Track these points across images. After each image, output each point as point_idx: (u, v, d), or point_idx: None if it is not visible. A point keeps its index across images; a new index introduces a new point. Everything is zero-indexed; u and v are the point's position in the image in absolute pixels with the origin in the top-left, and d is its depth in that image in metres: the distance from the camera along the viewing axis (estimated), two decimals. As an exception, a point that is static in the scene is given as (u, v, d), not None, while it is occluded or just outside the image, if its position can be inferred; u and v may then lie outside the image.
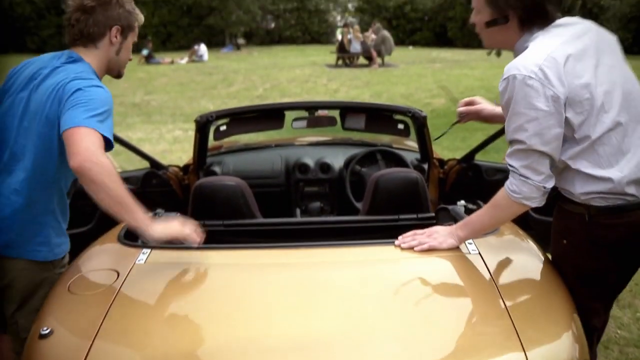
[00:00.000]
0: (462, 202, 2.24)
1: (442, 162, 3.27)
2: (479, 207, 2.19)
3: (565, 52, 1.57)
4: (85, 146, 1.58)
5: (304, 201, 3.27)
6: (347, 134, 3.58)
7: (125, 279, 1.61)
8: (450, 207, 2.12)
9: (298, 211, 3.11)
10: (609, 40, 1.72)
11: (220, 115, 2.78)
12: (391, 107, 3.03)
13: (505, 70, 1.59)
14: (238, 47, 23.88)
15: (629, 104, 1.64)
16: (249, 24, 25.33)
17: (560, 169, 1.68)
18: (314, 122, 3.01)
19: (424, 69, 15.05)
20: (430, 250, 1.74)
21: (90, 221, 2.93)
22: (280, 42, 25.97)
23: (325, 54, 18.72)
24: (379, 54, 15.95)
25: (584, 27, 1.70)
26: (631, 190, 1.63)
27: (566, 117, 1.58)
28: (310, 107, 2.93)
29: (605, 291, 1.79)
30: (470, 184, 3.13)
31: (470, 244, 1.80)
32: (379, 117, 2.93)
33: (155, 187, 3.07)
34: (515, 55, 1.67)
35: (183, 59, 18.73)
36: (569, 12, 8.43)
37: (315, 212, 3.16)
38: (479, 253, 1.75)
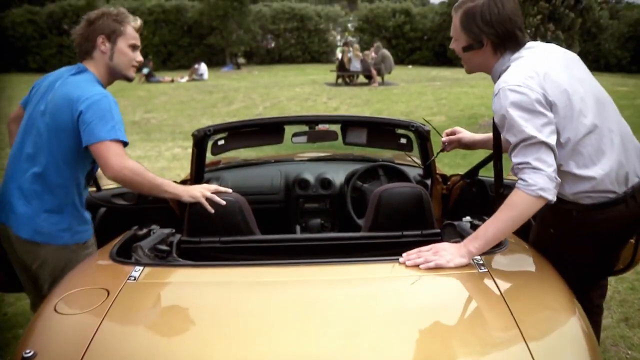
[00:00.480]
0: (468, 218, 2.17)
1: (445, 178, 3.20)
2: (485, 222, 2.12)
3: (543, 68, 1.79)
4: (113, 159, 1.99)
5: (304, 218, 3.19)
6: (348, 149, 3.51)
7: (115, 298, 1.53)
8: (456, 223, 2.04)
9: (298, 228, 3.03)
10: (573, 57, 1.98)
11: (218, 129, 2.71)
12: (393, 121, 2.96)
13: (494, 89, 1.79)
14: (238, 66, 23.97)
15: (600, 108, 1.87)
16: (249, 44, 25.46)
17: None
18: (315, 137, 2.94)
19: (423, 87, 15.04)
20: (437, 268, 1.66)
21: None
22: (280, 62, 26.08)
23: (325, 73, 18.75)
24: (379, 73, 15.97)
25: (550, 48, 1.96)
26: (613, 187, 1.85)
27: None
28: (311, 122, 2.86)
29: (588, 274, 2.01)
30: (474, 200, 3.05)
31: (478, 261, 1.72)
32: (381, 131, 2.86)
33: (152, 203, 2.99)
34: (493, 77, 1.91)
35: (183, 78, 18.83)
36: (569, 31, 8.45)
37: (316, 229, 3.08)
38: (488, 271, 1.66)
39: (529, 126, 1.71)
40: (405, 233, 2.04)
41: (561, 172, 1.81)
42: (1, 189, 2.25)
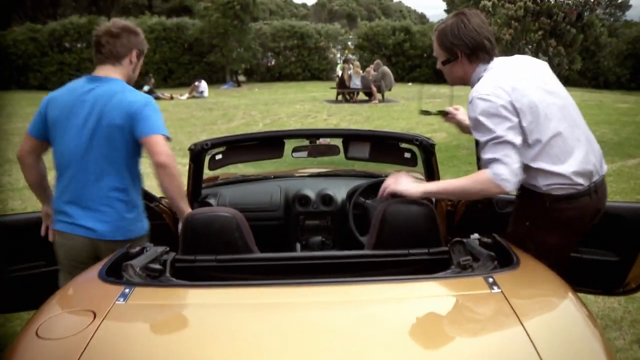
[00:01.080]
0: (476, 235, 2.07)
1: None
2: (494, 240, 2.02)
3: (511, 78, 2.05)
4: (164, 148, 2.25)
5: (304, 235, 3.10)
6: (349, 165, 3.42)
7: (102, 321, 1.42)
8: (465, 240, 1.94)
9: (298, 246, 2.93)
10: (543, 66, 2.22)
11: (215, 143, 2.62)
12: (397, 135, 2.87)
13: (469, 97, 2.04)
14: (238, 83, 24.01)
15: (566, 114, 2.11)
16: (249, 61, 25.53)
17: (524, 170, 2.07)
18: (315, 152, 2.85)
19: (424, 104, 14.95)
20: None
21: None
22: (280, 79, 26.13)
23: (325, 90, 18.76)
24: (379, 90, 15.95)
25: (521, 58, 2.24)
26: (580, 180, 2.09)
27: (521, 125, 2.02)
28: (312, 135, 2.78)
29: (561, 258, 2.20)
30: (481, 217, 2.96)
31: (490, 280, 1.61)
32: (384, 145, 2.77)
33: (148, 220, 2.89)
34: (472, 87, 2.12)
35: (183, 95, 18.82)
36: (570, 47, 8.42)
37: (317, 247, 2.97)
38: (501, 291, 1.56)
39: (497, 128, 1.98)
40: (411, 251, 1.94)
41: (534, 169, 2.08)
42: (72, 209, 2.33)
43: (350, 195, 3.04)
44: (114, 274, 1.73)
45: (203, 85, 19.13)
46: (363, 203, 2.92)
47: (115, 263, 1.84)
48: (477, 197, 2.05)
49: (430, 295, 1.56)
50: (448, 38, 2.12)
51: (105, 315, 1.44)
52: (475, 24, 2.10)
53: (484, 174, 2.01)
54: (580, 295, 1.76)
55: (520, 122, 2.02)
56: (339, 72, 17.64)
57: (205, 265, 1.92)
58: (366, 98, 16.35)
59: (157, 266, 1.74)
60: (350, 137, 2.75)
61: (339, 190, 3.15)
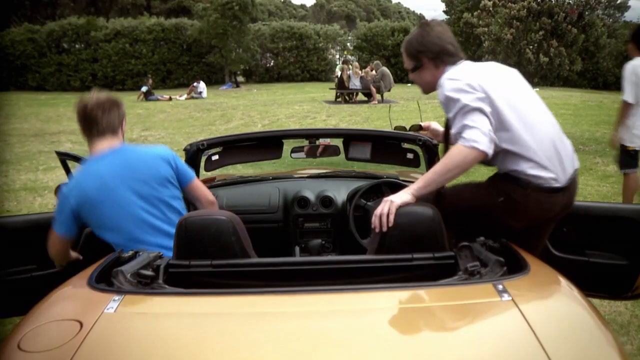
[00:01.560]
0: (482, 238, 1.99)
1: None
2: (502, 244, 1.94)
3: (481, 73, 2.12)
4: (205, 189, 2.47)
5: (303, 238, 3.02)
6: (350, 165, 3.34)
7: (89, 332, 1.33)
8: (471, 244, 1.86)
9: (297, 249, 2.84)
10: (513, 71, 2.27)
11: (211, 143, 2.53)
12: (400, 135, 2.78)
13: (438, 84, 2.12)
14: (237, 84, 23.97)
15: (536, 111, 2.16)
16: (248, 62, 25.48)
17: (504, 155, 2.09)
18: (315, 152, 2.76)
19: (423, 105, 14.89)
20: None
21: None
22: (279, 80, 26.07)
23: (324, 91, 18.69)
24: (378, 91, 15.85)
25: (492, 63, 2.31)
26: (553, 174, 2.12)
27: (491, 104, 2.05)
28: (311, 135, 2.69)
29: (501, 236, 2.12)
30: None
31: (501, 289, 1.53)
32: (386, 146, 2.69)
33: None
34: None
35: (182, 96, 18.76)
36: (571, 47, 8.36)
37: (316, 250, 2.89)
38: (512, 299, 1.47)
39: (464, 98, 2.01)
40: (415, 256, 1.86)
41: (510, 153, 2.08)
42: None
43: (351, 197, 2.96)
44: (105, 280, 1.65)
45: (202, 86, 19.08)
46: (364, 205, 2.84)
47: (106, 269, 1.76)
48: (460, 170, 2.01)
49: (437, 303, 1.47)
50: (413, 46, 2.23)
51: (93, 326, 1.35)
52: (437, 31, 2.21)
53: (456, 148, 2.00)
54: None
55: (490, 100, 2.05)
56: (338, 73, 17.56)
57: (201, 270, 1.83)
58: (365, 99, 16.27)
59: (148, 272, 1.66)
60: (351, 137, 2.67)
61: (339, 192, 3.07)
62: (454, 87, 2.07)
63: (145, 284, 1.62)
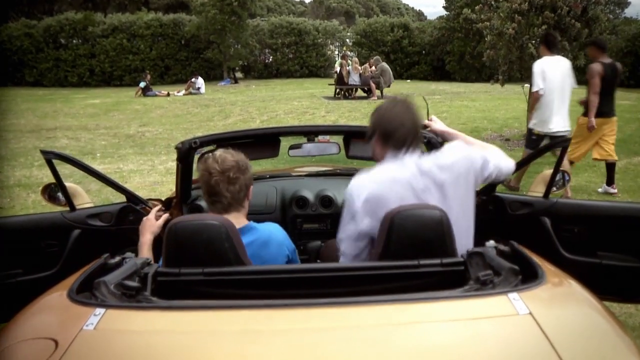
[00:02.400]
0: (492, 242, 1.87)
1: None
2: (513, 249, 1.82)
3: (375, 186, 2.01)
4: None
5: (302, 240, 2.90)
6: (350, 164, 3.21)
7: (64, 353, 1.20)
8: (481, 249, 1.73)
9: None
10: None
11: (205, 141, 2.40)
12: None
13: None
14: (236, 80, 23.86)
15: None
16: (246, 58, 25.33)
17: None
18: (314, 150, 2.63)
19: (423, 101, 14.75)
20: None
21: (55, 264, 2.54)
22: (278, 76, 25.95)
23: (323, 87, 18.57)
24: (378, 87, 15.73)
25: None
26: None
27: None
28: (310, 132, 2.56)
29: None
30: (492, 219, 2.75)
31: (516, 299, 1.41)
32: None
33: (133, 224, 2.68)
34: None
35: (180, 92, 18.65)
36: (575, 40, 8.19)
37: (315, 252, 2.76)
38: (530, 313, 1.35)
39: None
40: (422, 262, 1.73)
41: None
42: None
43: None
44: (89, 290, 1.52)
45: (200, 81, 18.97)
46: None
47: (90, 277, 1.63)
48: None
49: (447, 319, 1.35)
50: (374, 115, 2.13)
51: (69, 346, 1.22)
52: (398, 111, 2.08)
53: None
54: None
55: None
56: (337, 69, 17.43)
57: (191, 279, 1.71)
58: (365, 95, 16.13)
59: (133, 283, 1.53)
60: (352, 134, 2.54)
61: (340, 191, 2.94)
62: (347, 200, 2.05)
63: (129, 296, 1.49)
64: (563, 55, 6.38)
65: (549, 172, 2.82)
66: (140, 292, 1.51)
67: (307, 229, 2.95)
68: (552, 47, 5.84)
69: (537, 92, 5.65)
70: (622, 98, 15.22)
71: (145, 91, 18.18)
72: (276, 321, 1.36)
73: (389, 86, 16.17)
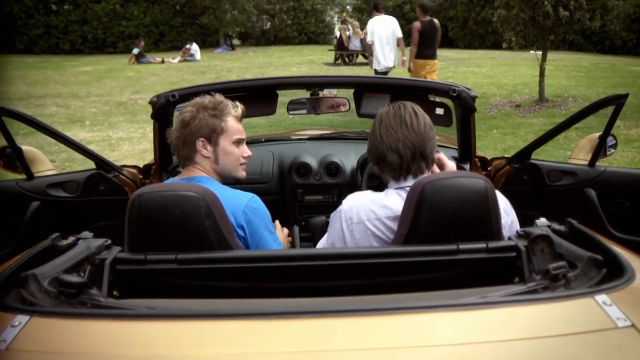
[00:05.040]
0: (543, 220, 1.46)
1: (483, 162, 2.50)
2: (573, 229, 1.41)
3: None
4: None
5: (304, 215, 2.52)
6: (359, 125, 2.79)
7: None
8: (545, 231, 1.32)
9: (296, 229, 2.31)
10: None
11: (185, 94, 1.98)
12: (427, 84, 2.22)
13: None
14: (232, 47, 23.44)
15: None
16: (243, 24, 24.75)
17: None
18: (318, 107, 2.22)
19: None
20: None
21: (8, 244, 2.14)
22: (276, 43, 25.47)
23: (323, 53, 18.26)
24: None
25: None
26: None
27: None
28: (313, 84, 2.13)
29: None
30: (526, 191, 2.35)
31: (609, 306, 0.99)
32: (409, 98, 2.13)
33: (103, 195, 2.27)
34: None
35: (175, 59, 18.30)
36: (579, 10, 7.71)
37: (320, 230, 2.36)
38: (633, 324, 0.94)
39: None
40: (462, 247, 1.33)
41: None
42: None
43: (363, 163, 2.43)
44: (6, 293, 1.11)
45: (195, 47, 18.58)
46: (380, 174, 2.29)
47: (25, 267, 1.21)
48: None
49: (512, 337, 0.94)
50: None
51: None
52: (386, 129, 1.63)
53: None
54: None
55: None
56: (337, 34, 16.98)
57: (161, 268, 1.30)
58: (365, 61, 15.70)
59: (74, 278, 1.12)
60: (365, 87, 2.11)
61: (348, 157, 2.55)
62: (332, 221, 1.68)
63: (68, 297, 1.08)
64: (580, 15, 6.21)
65: (594, 135, 2.42)
66: (84, 290, 1.10)
67: (310, 201, 2.56)
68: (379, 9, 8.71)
69: (372, 41, 8.40)
70: (633, 64, 14.89)
71: (138, 58, 17.84)
72: (274, 339, 0.95)
73: (391, 52, 15.69)
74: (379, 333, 0.96)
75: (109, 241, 1.39)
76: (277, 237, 1.81)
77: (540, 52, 8.35)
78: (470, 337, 0.97)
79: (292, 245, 2.09)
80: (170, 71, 15.49)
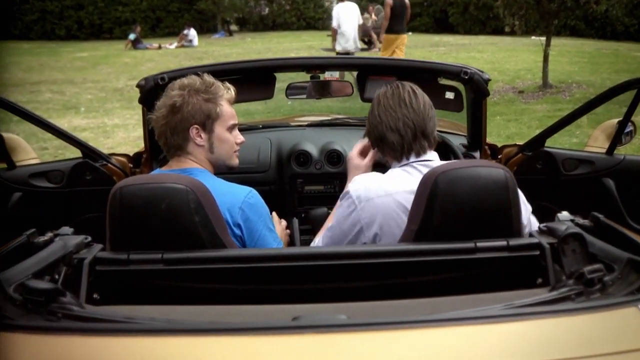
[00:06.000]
0: (566, 214, 1.33)
1: (493, 150, 2.37)
2: (598, 223, 1.29)
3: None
4: None
5: (304, 206, 2.39)
6: (364, 110, 2.65)
7: None
8: (576, 228, 1.18)
9: (295, 222, 2.19)
10: None
11: (174, 77, 1.84)
12: (437, 66, 2.08)
13: None
14: (230, 33, 23.24)
15: None
16: (241, 9, 24.50)
17: None
18: (319, 91, 2.08)
19: (428, 52, 14.34)
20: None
21: None
22: (274, 28, 25.28)
23: (322, 39, 18.11)
24: (379, 37, 15.13)
25: None
26: None
27: None
28: (314, 67, 1.99)
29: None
30: (540, 180, 2.22)
31: None
32: (417, 81, 1.99)
33: (90, 185, 2.14)
34: None
35: (172, 44, 18.14)
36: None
37: (321, 222, 2.23)
38: None
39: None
40: (480, 245, 1.20)
41: None
42: None
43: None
44: None
45: (192, 33, 18.41)
46: (386, 162, 2.16)
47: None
48: None
49: (548, 357, 0.81)
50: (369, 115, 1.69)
51: None
52: (385, 108, 1.60)
53: None
54: None
55: None
56: (337, 19, 16.77)
57: (146, 269, 1.17)
58: (365, 46, 15.58)
59: (43, 284, 0.98)
60: (370, 69, 1.97)
61: (350, 145, 2.39)
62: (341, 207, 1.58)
63: (36, 305, 0.94)
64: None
65: (612, 121, 2.28)
66: (54, 298, 0.96)
67: (310, 191, 2.43)
68: None
69: (334, 28, 9.40)
70: (636, 50, 14.74)
71: (135, 44, 17.70)
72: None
73: (391, 37, 15.57)
74: (393, 351, 0.83)
75: (89, 238, 1.26)
76: (276, 235, 1.67)
77: (543, 38, 8.20)
78: (499, 356, 0.84)
79: (291, 239, 1.96)
80: (167, 57, 15.33)
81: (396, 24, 9.10)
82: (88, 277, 1.15)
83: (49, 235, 1.27)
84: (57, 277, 1.12)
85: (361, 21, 9.73)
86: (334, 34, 9.41)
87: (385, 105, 1.58)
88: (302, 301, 1.08)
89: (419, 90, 1.60)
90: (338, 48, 9.48)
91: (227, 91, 1.71)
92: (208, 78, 1.68)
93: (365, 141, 1.76)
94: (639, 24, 22.95)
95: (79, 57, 15.96)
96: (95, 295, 1.17)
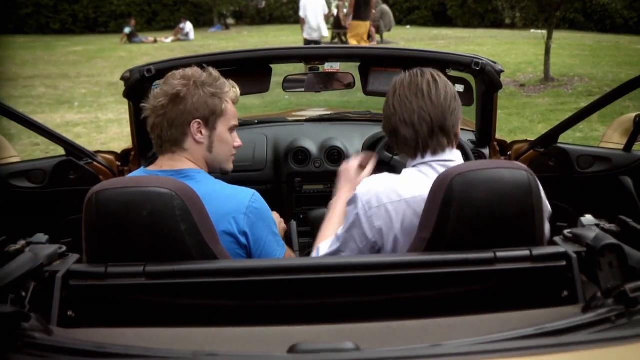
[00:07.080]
0: (590, 217, 1.21)
1: (502, 146, 2.24)
2: (624, 225, 1.16)
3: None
4: None
5: (302, 206, 2.30)
6: (363, 106, 2.53)
7: None
8: (611, 239, 1.05)
9: (293, 224, 2.07)
10: None
11: (162, 69, 1.71)
12: (446, 56, 1.96)
13: None
14: (227, 26, 23.20)
15: None
16: (238, 3, 24.41)
17: None
18: (318, 83, 1.96)
19: (427, 45, 14.28)
20: None
21: None
22: (271, 22, 25.21)
23: (319, 32, 17.93)
24: (378, 30, 15.07)
25: None
26: None
27: None
28: (313, 58, 1.86)
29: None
30: (553, 178, 2.10)
31: None
32: None
33: (74, 185, 2.02)
34: None
35: (168, 38, 18.07)
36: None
37: (320, 224, 2.11)
38: None
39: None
40: (500, 255, 1.07)
41: None
42: None
43: (369, 148, 2.17)
44: None
45: (188, 26, 18.34)
46: (389, 160, 2.03)
47: None
48: None
49: None
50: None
51: None
52: (400, 98, 1.44)
53: None
54: None
55: None
56: (334, 12, 16.64)
57: (126, 283, 1.04)
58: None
59: (3, 308, 0.84)
60: (373, 60, 1.84)
61: (351, 142, 2.32)
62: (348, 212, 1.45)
63: None
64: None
65: (629, 116, 2.16)
66: (15, 324, 0.83)
67: (309, 191, 2.32)
68: None
69: (301, 17, 9.93)
70: (636, 42, 14.64)
71: (130, 37, 17.63)
72: None
73: (389, 30, 15.68)
74: None
75: (64, 248, 1.13)
76: (280, 239, 1.55)
77: (543, 31, 8.11)
78: None
79: (290, 241, 1.84)
80: (163, 51, 15.21)
81: (362, 13, 9.88)
82: (61, 292, 1.02)
83: (21, 243, 1.14)
84: (24, 294, 0.99)
85: (327, 11, 10.35)
86: (302, 23, 9.94)
87: (401, 95, 1.42)
88: (301, 320, 0.96)
89: (441, 79, 1.44)
90: (305, 36, 9.93)
91: (232, 89, 1.60)
92: (213, 72, 1.56)
93: (366, 155, 1.65)
94: (639, 16, 22.93)
95: (74, 51, 15.90)
96: (70, 313, 1.04)
